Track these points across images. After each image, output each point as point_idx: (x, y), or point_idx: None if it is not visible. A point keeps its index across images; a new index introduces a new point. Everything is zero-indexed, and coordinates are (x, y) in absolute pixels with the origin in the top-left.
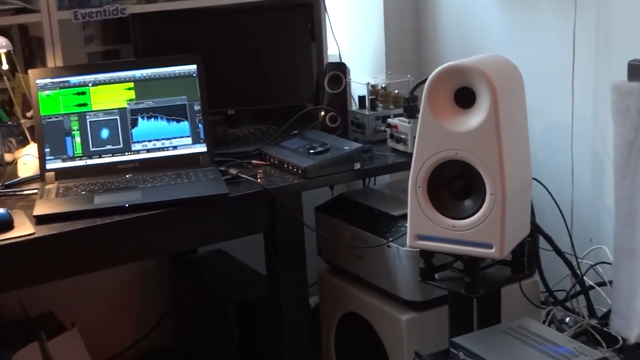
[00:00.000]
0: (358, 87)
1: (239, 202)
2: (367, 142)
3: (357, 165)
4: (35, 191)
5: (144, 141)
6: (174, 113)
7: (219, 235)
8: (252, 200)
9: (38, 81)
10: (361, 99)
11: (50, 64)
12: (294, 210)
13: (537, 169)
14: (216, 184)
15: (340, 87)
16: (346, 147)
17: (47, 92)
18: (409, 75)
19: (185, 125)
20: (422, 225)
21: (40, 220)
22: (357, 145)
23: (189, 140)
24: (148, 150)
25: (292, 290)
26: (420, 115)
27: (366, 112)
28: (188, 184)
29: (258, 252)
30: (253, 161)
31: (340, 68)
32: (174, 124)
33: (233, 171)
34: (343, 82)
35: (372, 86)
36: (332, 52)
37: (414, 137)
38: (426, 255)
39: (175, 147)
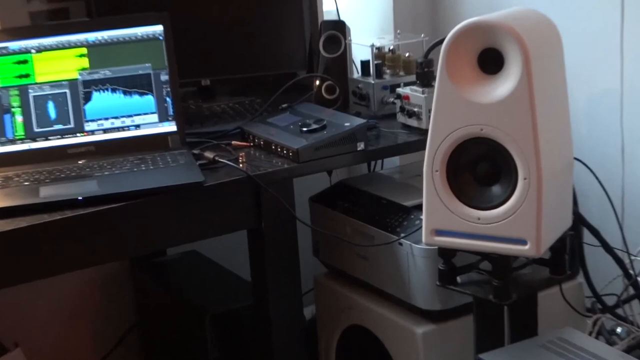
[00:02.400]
0: (360, 50)
1: (216, 192)
2: (373, 117)
3: (361, 146)
4: None
5: (100, 119)
6: (136, 84)
7: (193, 233)
8: (233, 189)
9: None
10: (364, 64)
11: None
12: (284, 202)
13: (580, 147)
14: (188, 170)
15: (338, 50)
16: (347, 124)
17: None
18: (423, 35)
19: (149, 99)
20: (441, 217)
21: None
22: (360, 121)
23: (154, 117)
24: (105, 131)
25: (283, 299)
26: (436, 84)
27: (371, 80)
28: (154, 171)
29: (241, 253)
30: (233, 142)
31: (339, 27)
32: (136, 97)
33: (209, 154)
34: (342, 44)
35: (378, 48)
36: (329, 7)
37: (430, 110)
38: (446, 254)
39: (138, 126)
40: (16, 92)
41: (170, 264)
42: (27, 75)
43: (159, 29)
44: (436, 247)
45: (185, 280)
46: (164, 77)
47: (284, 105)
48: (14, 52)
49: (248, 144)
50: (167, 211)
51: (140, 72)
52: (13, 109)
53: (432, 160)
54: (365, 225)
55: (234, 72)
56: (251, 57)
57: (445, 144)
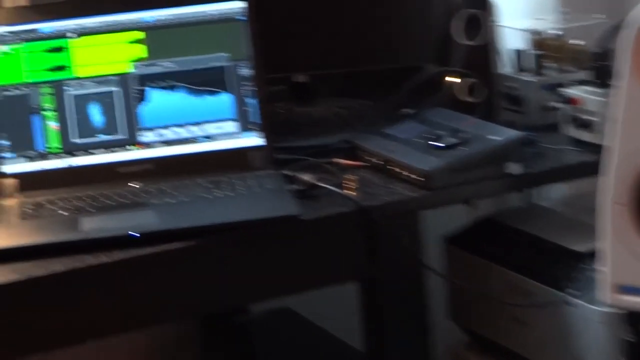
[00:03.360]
0: (512, 35)
1: (316, 229)
2: (530, 128)
3: (514, 168)
4: None
5: (160, 128)
6: (208, 81)
7: (285, 285)
8: (339, 226)
9: None
10: (518, 55)
11: (7, 2)
12: (408, 243)
13: None
14: (278, 199)
15: (482, 35)
16: (494, 137)
17: (3, 48)
18: (599, 16)
19: (226, 100)
20: (628, 268)
21: None
22: (512, 133)
23: (232, 126)
24: (166, 143)
25: None
26: (620, 83)
27: (527, 77)
28: (232, 200)
29: (348, 312)
30: (339, 160)
31: (481, 3)
32: (208, 99)
33: (306, 177)
34: (486, 27)
35: (537, 34)
36: None
37: (610, 120)
38: (636, 319)
39: (210, 138)
40: (49, 90)
41: (255, 325)
42: (63, 68)
43: (239, 5)
44: (621, 309)
45: (275, 347)
46: (246, 71)
47: (407, 111)
48: (46, 37)
49: (359, 163)
50: (249, 254)
51: (214, 63)
52: (45, 113)
53: (614, 189)
54: (520, 277)
55: (339, 66)
56: (363, 46)
57: (633, 167)
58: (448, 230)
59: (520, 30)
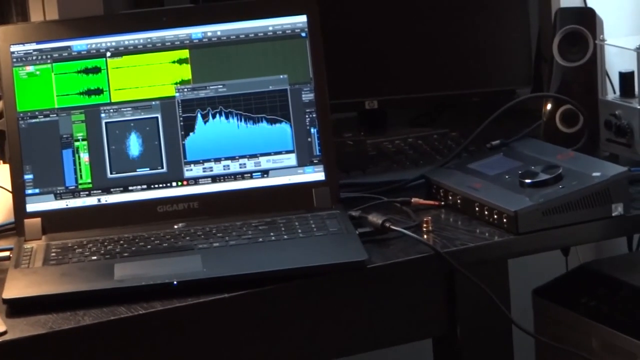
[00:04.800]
0: (618, 55)
1: (386, 278)
2: (637, 163)
3: (618, 209)
4: (7, 254)
5: (208, 161)
6: (263, 107)
7: (348, 343)
8: (412, 274)
9: (14, 48)
10: (625, 78)
11: (35, 16)
12: (492, 295)
13: None
14: (343, 243)
15: (583, 55)
16: (596, 174)
17: (29, 69)
18: None
19: (284, 130)
20: None
21: (15, 307)
22: (617, 169)
23: (291, 159)
24: (214, 179)
25: None
26: None
27: (635, 104)
28: (290, 244)
29: None
30: (413, 199)
31: (585, 19)
32: (263, 127)
33: (375, 219)
34: (589, 45)
35: None
36: None
37: None
38: None
39: (265, 173)
40: (81, 117)
41: None
42: (98, 91)
43: (301, 20)
44: None
45: None
46: (308, 96)
47: (494, 143)
48: (80, 56)
49: (437, 202)
50: (308, 307)
51: (271, 87)
52: (76, 143)
53: None
54: (622, 337)
55: (416, 90)
56: (443, 67)
57: None
58: (539, 282)
59: (629, 49)
